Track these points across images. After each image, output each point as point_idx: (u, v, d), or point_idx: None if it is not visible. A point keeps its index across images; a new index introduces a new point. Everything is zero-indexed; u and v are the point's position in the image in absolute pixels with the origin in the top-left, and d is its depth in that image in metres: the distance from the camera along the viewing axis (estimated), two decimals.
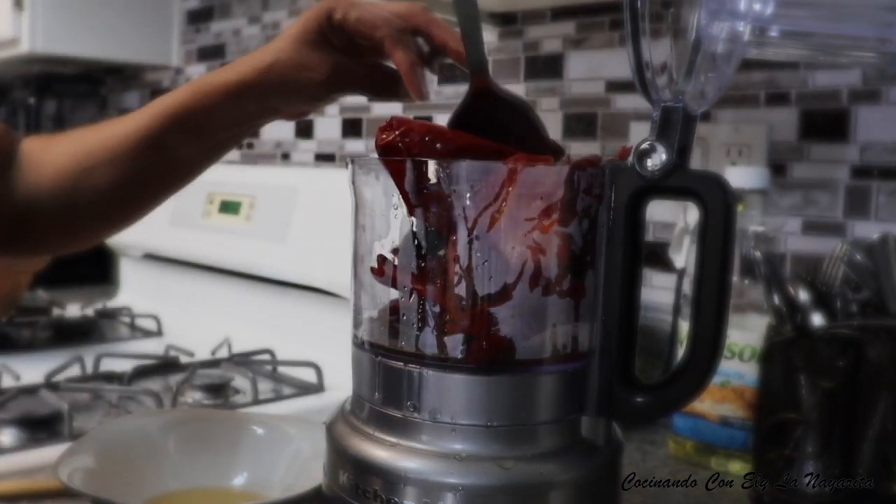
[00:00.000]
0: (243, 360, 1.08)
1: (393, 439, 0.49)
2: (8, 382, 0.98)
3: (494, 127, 0.54)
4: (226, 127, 0.64)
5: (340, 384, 0.98)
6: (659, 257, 0.99)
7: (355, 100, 1.38)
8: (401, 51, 0.59)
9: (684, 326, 0.81)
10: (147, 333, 1.32)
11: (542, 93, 1.12)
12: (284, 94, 0.62)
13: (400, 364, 0.49)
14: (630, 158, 0.48)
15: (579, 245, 0.49)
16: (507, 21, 1.15)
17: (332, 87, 0.62)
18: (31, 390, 0.90)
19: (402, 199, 0.48)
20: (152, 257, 1.52)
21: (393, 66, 0.61)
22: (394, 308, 0.50)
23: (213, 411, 0.87)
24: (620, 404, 0.50)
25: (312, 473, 0.58)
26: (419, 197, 0.48)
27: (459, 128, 0.54)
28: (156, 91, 1.86)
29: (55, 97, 1.91)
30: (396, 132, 0.49)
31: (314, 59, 0.61)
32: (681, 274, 0.89)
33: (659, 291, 0.99)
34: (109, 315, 1.40)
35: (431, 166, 0.47)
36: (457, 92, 1.22)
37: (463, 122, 0.55)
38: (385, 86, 0.62)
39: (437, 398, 0.48)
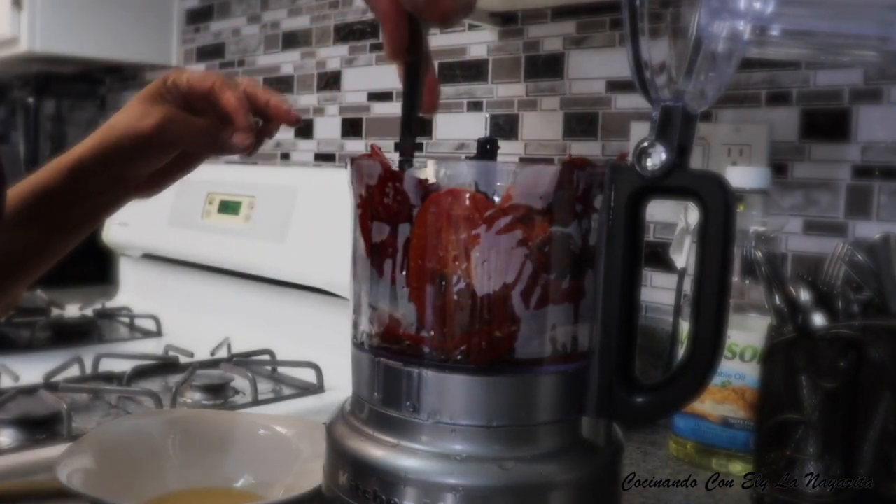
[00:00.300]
0: (243, 361, 1.07)
1: (393, 440, 0.49)
2: (7, 383, 0.97)
3: None
4: (76, 203, 0.66)
5: (340, 384, 0.98)
6: (659, 257, 0.99)
7: (355, 99, 1.38)
8: (229, 91, 0.63)
9: (685, 327, 0.81)
10: (146, 334, 1.32)
11: (542, 92, 1.12)
12: (124, 153, 0.64)
13: (399, 364, 0.49)
14: (630, 158, 0.48)
15: (579, 245, 0.49)
16: (508, 20, 1.15)
17: (165, 138, 0.63)
18: (30, 391, 0.90)
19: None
20: (152, 257, 1.52)
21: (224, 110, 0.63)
22: (393, 307, 0.50)
23: (213, 412, 0.87)
24: (620, 405, 0.50)
25: (312, 474, 0.58)
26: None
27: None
28: None
29: (54, 97, 1.91)
30: None
31: (148, 111, 0.63)
32: (681, 274, 0.89)
33: (659, 291, 0.99)
34: (109, 315, 1.40)
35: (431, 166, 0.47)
36: (456, 91, 1.22)
37: None
38: (212, 137, 0.63)
39: (436, 399, 0.48)
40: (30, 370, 0.99)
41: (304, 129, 1.49)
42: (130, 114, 0.64)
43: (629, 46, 0.46)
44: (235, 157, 1.71)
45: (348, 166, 0.53)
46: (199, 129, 0.63)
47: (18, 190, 0.65)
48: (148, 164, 0.66)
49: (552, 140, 1.11)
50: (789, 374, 0.68)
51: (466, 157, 0.64)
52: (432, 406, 0.48)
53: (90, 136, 0.65)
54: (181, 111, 0.64)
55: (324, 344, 1.05)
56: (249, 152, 0.63)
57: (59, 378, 0.96)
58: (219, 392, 0.96)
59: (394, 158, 0.50)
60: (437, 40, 1.25)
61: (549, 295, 0.48)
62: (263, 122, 0.65)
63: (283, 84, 1.53)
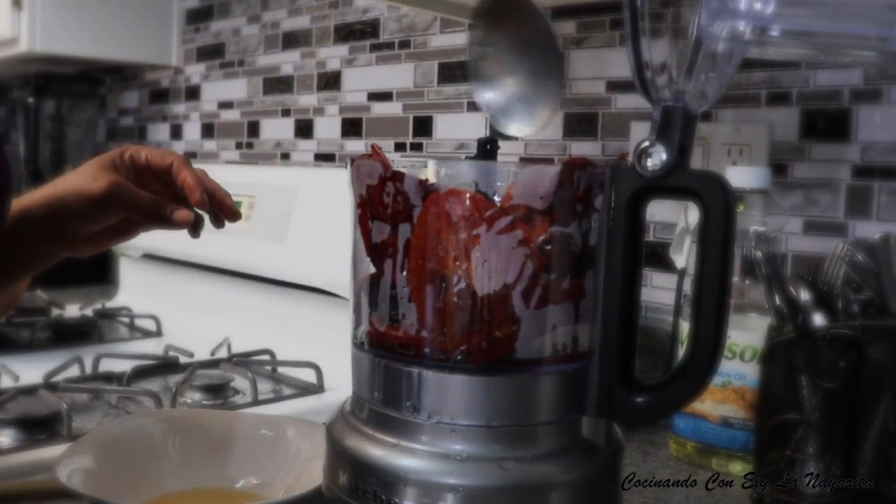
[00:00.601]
0: (243, 361, 1.07)
1: (393, 440, 0.49)
2: (7, 383, 0.97)
3: (510, 28, 0.59)
4: (14, 248, 0.66)
5: (340, 384, 0.98)
6: (659, 257, 0.99)
7: (355, 99, 1.38)
8: (187, 169, 0.68)
9: (685, 327, 0.81)
10: (146, 334, 1.32)
11: None
12: (67, 211, 0.66)
13: (400, 364, 0.49)
14: (630, 158, 0.48)
15: (579, 245, 0.49)
16: None
17: (110, 202, 0.66)
18: (30, 391, 0.90)
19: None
20: (151, 257, 1.52)
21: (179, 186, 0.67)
22: (393, 307, 0.50)
23: (213, 412, 0.87)
24: (621, 405, 0.50)
25: (312, 474, 0.58)
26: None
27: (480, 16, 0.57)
28: (155, 90, 1.86)
29: (54, 97, 1.91)
30: None
31: (98, 176, 0.66)
32: (681, 274, 0.89)
33: (659, 291, 0.99)
34: (109, 315, 1.40)
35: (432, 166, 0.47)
36: (456, 91, 1.22)
37: (485, 13, 0.59)
38: (156, 210, 0.67)
39: (436, 399, 0.48)
40: (30, 370, 0.99)
41: (304, 129, 1.49)
42: (81, 175, 0.66)
43: (630, 46, 0.47)
44: (236, 156, 1.70)
45: (348, 166, 0.53)
46: (145, 200, 0.67)
47: None
48: (89, 225, 0.68)
49: (552, 140, 1.11)
50: (789, 374, 0.68)
51: (466, 157, 0.64)
52: (432, 406, 0.48)
53: (41, 188, 0.67)
54: (128, 182, 0.67)
55: (324, 344, 1.05)
56: (191, 233, 0.68)
57: (59, 378, 0.96)
58: (219, 392, 0.95)
59: (394, 158, 0.50)
60: (438, 40, 1.25)
61: (550, 295, 0.48)
62: (209, 213, 0.69)
63: (283, 84, 1.53)
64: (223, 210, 0.69)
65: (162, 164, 0.69)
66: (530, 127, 0.55)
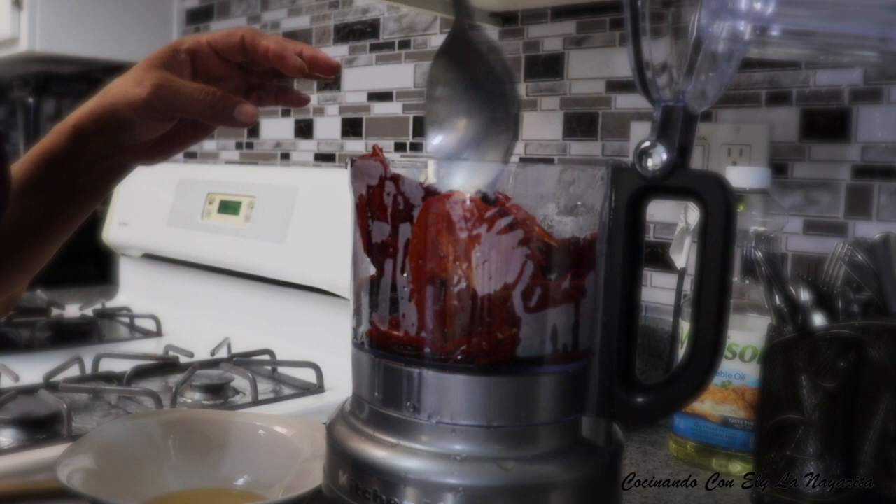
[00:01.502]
0: (243, 361, 1.07)
1: (393, 440, 0.49)
2: (7, 383, 0.97)
3: (468, 73, 0.55)
4: (80, 169, 0.64)
5: (340, 384, 0.98)
6: (659, 257, 0.99)
7: (355, 99, 1.38)
8: (263, 37, 0.60)
9: (685, 327, 0.81)
10: (146, 334, 1.32)
11: (542, 92, 1.12)
12: (119, 120, 0.61)
13: (400, 364, 0.49)
14: (630, 158, 0.48)
15: (579, 245, 0.49)
16: (508, 20, 1.15)
17: (159, 104, 0.60)
18: (30, 391, 0.90)
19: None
20: (151, 257, 1.52)
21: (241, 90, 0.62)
22: (393, 307, 0.50)
23: (213, 412, 0.87)
24: (621, 405, 0.50)
25: (312, 474, 0.58)
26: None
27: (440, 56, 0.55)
28: None
29: (54, 97, 1.91)
30: None
31: (143, 77, 0.60)
32: (681, 274, 0.89)
33: (659, 291, 0.99)
34: (109, 315, 1.40)
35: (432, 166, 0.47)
36: None
37: (445, 53, 0.56)
38: (213, 105, 0.60)
39: (437, 399, 0.48)
40: (30, 370, 0.99)
41: (304, 129, 1.49)
42: (127, 79, 0.61)
43: (630, 46, 0.47)
44: (236, 156, 1.70)
45: (348, 166, 0.53)
46: (198, 95, 0.60)
47: (26, 158, 0.63)
48: (146, 132, 0.63)
49: (552, 140, 1.11)
50: (789, 375, 0.68)
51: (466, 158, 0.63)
52: (433, 406, 0.48)
53: (89, 101, 0.63)
54: (176, 78, 0.61)
55: (324, 344, 1.05)
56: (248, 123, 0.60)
57: (59, 378, 0.96)
58: (219, 392, 0.95)
59: (394, 158, 0.50)
60: (438, 40, 1.25)
61: (550, 295, 0.48)
62: (310, 77, 0.63)
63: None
64: (322, 68, 0.62)
65: (230, 43, 0.61)
66: (475, 180, 0.53)
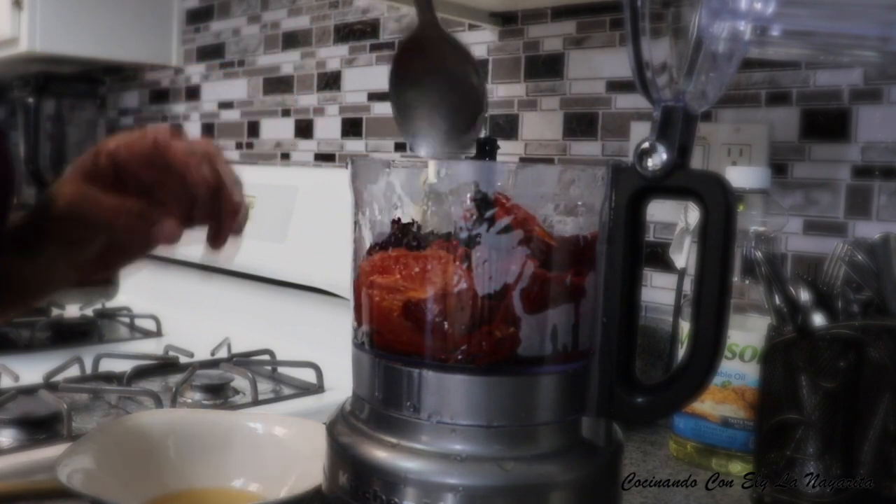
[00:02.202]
0: (243, 361, 1.07)
1: (393, 440, 0.49)
2: (7, 383, 0.97)
3: (433, 59, 0.55)
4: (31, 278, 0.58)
5: (340, 384, 0.98)
6: (659, 257, 0.99)
7: (355, 99, 1.38)
8: (176, 143, 0.52)
9: (685, 327, 0.81)
10: (146, 334, 1.32)
11: (542, 92, 1.12)
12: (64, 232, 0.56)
13: (400, 364, 0.49)
14: (630, 158, 0.48)
15: (579, 245, 0.49)
16: (508, 20, 1.15)
17: (73, 220, 0.54)
18: (30, 391, 0.90)
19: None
20: (151, 257, 1.51)
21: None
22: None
23: (213, 412, 0.87)
24: (621, 405, 0.50)
25: (312, 474, 0.58)
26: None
27: (403, 53, 0.57)
28: (155, 90, 1.86)
29: (54, 97, 1.91)
30: None
31: (62, 189, 0.54)
32: (681, 274, 0.89)
33: (659, 291, 0.99)
34: (109, 315, 1.40)
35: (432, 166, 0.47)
36: None
37: (407, 48, 0.57)
38: (134, 225, 0.53)
39: (437, 399, 0.48)
40: (30, 370, 0.99)
41: (304, 129, 1.49)
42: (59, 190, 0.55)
43: (630, 46, 0.46)
44: (236, 156, 1.70)
45: (348, 166, 0.53)
46: (105, 213, 0.52)
47: None
48: (77, 248, 0.57)
49: (552, 140, 1.11)
50: (789, 375, 0.68)
51: (466, 157, 0.64)
52: (433, 406, 0.48)
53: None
54: (93, 192, 0.53)
55: (324, 344, 1.05)
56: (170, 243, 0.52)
57: (59, 378, 0.96)
58: (219, 392, 0.95)
59: (394, 158, 0.50)
60: None
61: (550, 295, 0.48)
62: (211, 222, 0.52)
63: (283, 84, 1.53)
64: (230, 212, 0.53)
65: (139, 153, 0.52)
66: (441, 150, 0.54)
